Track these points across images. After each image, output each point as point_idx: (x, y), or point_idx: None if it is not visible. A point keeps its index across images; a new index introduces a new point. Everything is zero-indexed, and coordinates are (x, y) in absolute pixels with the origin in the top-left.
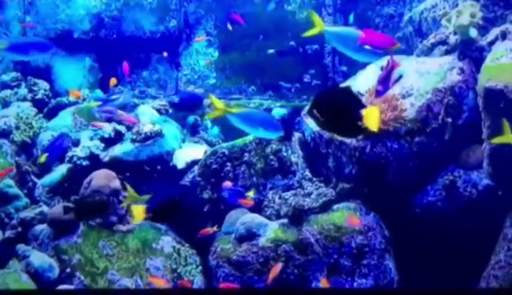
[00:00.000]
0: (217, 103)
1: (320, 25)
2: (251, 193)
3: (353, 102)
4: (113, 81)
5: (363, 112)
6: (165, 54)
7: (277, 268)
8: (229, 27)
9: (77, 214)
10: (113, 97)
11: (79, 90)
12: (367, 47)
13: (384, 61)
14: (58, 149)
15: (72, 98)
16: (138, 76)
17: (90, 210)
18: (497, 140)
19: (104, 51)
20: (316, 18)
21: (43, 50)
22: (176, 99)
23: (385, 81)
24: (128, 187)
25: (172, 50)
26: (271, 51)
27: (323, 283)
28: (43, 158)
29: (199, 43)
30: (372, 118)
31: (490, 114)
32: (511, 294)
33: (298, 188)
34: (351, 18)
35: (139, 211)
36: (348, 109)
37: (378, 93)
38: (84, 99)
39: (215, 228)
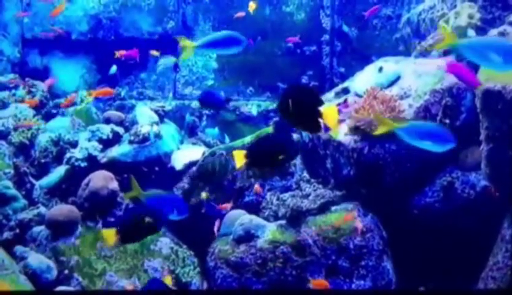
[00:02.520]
0: (383, 118)
1: (450, 38)
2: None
3: (313, 100)
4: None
5: (322, 110)
6: (157, 53)
7: (354, 219)
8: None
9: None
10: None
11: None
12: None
13: (382, 63)
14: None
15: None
16: (136, 77)
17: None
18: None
19: (102, 53)
20: (447, 31)
21: (236, 45)
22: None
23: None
24: (133, 179)
25: (170, 52)
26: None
27: (315, 284)
28: None
29: None
30: (330, 116)
31: (488, 115)
32: None
33: (296, 189)
34: (345, 27)
35: (239, 156)
36: (308, 106)
37: (326, 128)
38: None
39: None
